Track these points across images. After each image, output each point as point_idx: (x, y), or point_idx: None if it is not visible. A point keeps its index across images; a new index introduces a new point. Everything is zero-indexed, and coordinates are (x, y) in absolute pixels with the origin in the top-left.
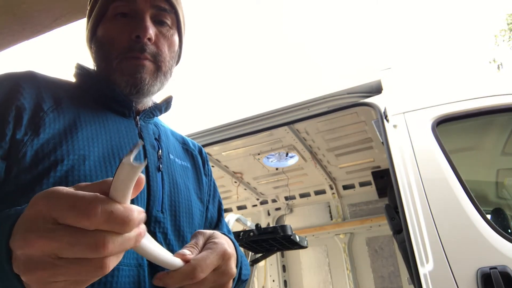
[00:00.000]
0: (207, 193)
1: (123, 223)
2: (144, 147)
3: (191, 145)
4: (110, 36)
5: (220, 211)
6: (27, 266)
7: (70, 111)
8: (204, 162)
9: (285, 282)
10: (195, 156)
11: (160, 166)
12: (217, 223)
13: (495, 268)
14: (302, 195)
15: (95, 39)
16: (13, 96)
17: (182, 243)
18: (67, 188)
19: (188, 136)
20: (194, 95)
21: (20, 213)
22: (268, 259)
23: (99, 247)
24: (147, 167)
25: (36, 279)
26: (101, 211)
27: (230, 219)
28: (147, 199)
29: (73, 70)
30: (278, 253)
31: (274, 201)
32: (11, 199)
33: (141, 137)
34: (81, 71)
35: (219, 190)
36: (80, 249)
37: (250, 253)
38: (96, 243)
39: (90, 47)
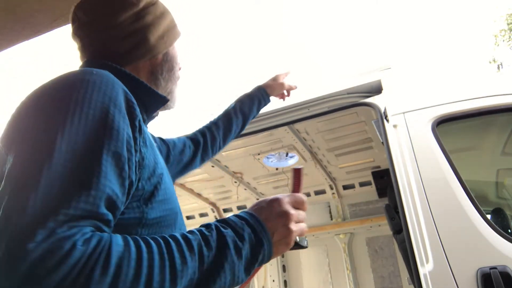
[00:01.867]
0: None
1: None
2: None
3: None
4: (178, 61)
5: None
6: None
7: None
8: None
9: (285, 282)
10: None
11: None
12: None
13: (495, 268)
14: None
15: (168, 57)
16: (131, 107)
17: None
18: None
19: None
20: (194, 95)
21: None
22: None
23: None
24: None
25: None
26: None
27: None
28: None
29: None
30: None
31: None
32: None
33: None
34: (135, 79)
35: (219, 190)
36: (303, 217)
37: None
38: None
39: (152, 57)
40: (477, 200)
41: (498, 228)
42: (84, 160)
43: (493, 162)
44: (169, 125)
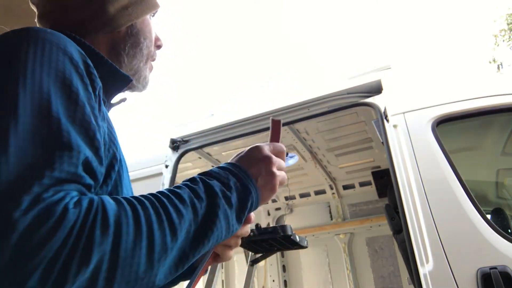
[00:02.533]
0: None
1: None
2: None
3: None
4: (151, 35)
5: None
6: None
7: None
8: None
9: (285, 282)
10: None
11: None
12: None
13: (495, 268)
14: (302, 195)
15: (134, 30)
16: (90, 73)
17: None
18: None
19: (189, 136)
20: (194, 95)
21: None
22: (268, 259)
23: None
24: None
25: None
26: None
27: None
28: None
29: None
30: (278, 253)
31: (274, 201)
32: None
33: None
34: (94, 52)
35: None
36: (283, 165)
37: (250, 253)
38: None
39: (113, 29)
40: (477, 200)
41: (498, 228)
42: (52, 121)
43: (493, 162)
44: (170, 124)
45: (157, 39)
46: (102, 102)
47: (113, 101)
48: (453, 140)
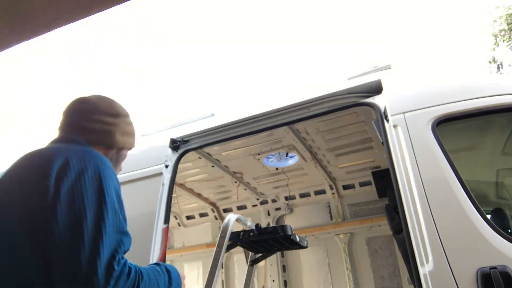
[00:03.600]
0: None
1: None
2: None
3: None
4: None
5: None
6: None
7: None
8: None
9: (285, 282)
10: None
11: None
12: None
13: (495, 268)
14: (302, 195)
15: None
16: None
17: None
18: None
19: (189, 136)
20: (194, 95)
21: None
22: (268, 259)
23: None
24: None
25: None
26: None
27: (230, 219)
28: None
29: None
30: (278, 253)
31: (274, 201)
32: None
33: None
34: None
35: (219, 190)
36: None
37: (250, 253)
38: None
39: (117, 150)
40: (477, 200)
41: (498, 228)
42: (119, 221)
43: (493, 162)
44: (170, 124)
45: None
46: None
47: None
48: (453, 140)
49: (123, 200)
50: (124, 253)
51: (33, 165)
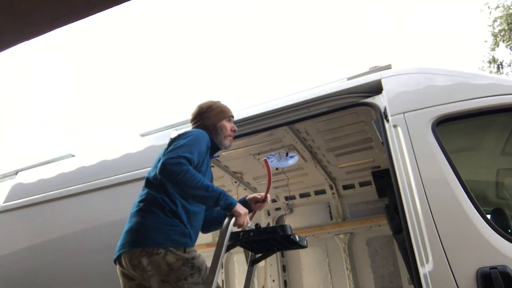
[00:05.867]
0: None
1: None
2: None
3: None
4: (226, 129)
5: None
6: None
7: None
8: None
9: (285, 282)
10: None
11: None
12: None
13: (495, 268)
14: (302, 195)
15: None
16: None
17: None
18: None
19: None
20: (195, 95)
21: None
22: (268, 259)
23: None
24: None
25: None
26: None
27: (229, 220)
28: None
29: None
30: (278, 253)
31: (274, 201)
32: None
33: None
34: (210, 137)
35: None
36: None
37: (250, 253)
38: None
39: (211, 127)
40: (477, 200)
41: (498, 228)
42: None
43: (493, 162)
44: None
45: (231, 128)
46: (208, 153)
47: (215, 154)
48: (453, 140)
49: (123, 200)
50: (188, 159)
51: None
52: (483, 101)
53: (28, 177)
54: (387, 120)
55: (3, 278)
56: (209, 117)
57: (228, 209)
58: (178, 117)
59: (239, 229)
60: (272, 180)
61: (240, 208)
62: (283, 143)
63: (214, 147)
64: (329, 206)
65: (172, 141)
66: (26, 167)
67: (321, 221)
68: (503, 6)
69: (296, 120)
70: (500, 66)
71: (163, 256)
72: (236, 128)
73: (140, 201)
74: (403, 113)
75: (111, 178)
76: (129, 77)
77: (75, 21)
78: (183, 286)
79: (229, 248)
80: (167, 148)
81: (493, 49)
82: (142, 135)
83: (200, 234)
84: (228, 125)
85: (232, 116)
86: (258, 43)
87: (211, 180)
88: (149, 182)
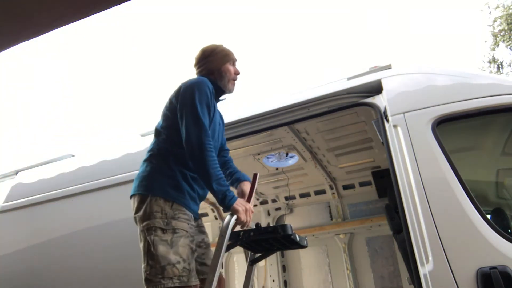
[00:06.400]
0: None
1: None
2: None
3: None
4: (230, 72)
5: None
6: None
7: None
8: None
9: (285, 282)
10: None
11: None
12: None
13: (495, 268)
14: (302, 195)
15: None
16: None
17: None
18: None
19: None
20: None
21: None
22: (268, 259)
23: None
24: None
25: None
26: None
27: (229, 219)
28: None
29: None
30: (278, 253)
31: (274, 201)
32: None
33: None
34: (213, 81)
35: None
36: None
37: (250, 253)
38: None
39: (215, 71)
40: (477, 200)
41: (498, 228)
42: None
43: (493, 162)
44: None
45: (235, 72)
46: (214, 100)
47: (221, 98)
48: (453, 140)
49: (123, 200)
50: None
51: None
52: (483, 101)
53: (28, 177)
54: (387, 120)
55: (3, 278)
56: (213, 60)
57: (228, 208)
58: None
59: (240, 229)
60: (272, 180)
61: (240, 205)
62: (283, 143)
63: (219, 91)
64: (329, 206)
65: (181, 106)
66: (26, 167)
67: (321, 221)
68: (503, 6)
69: (296, 120)
70: (500, 66)
71: (148, 202)
72: (239, 71)
73: (148, 151)
74: (403, 113)
75: (111, 178)
76: (129, 77)
77: (75, 21)
78: (150, 236)
79: (229, 247)
80: (174, 101)
81: (493, 49)
82: (142, 135)
83: None
84: (232, 69)
85: (236, 60)
86: (258, 43)
87: (222, 131)
88: (157, 132)
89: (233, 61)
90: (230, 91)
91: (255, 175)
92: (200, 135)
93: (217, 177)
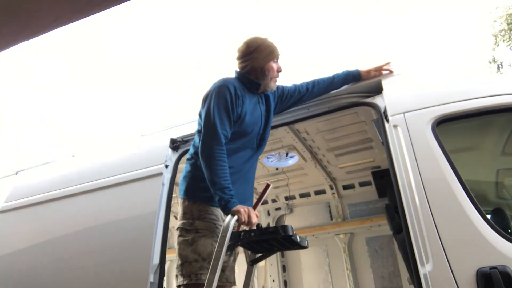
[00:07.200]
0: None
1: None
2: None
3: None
4: (273, 70)
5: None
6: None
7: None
8: (273, 100)
9: (285, 282)
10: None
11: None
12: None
13: (495, 268)
14: (302, 195)
15: (266, 68)
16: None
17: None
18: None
19: (189, 136)
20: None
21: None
22: (268, 259)
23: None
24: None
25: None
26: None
27: (230, 219)
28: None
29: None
30: (278, 253)
31: (274, 201)
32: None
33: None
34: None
35: None
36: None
37: (250, 253)
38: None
39: (258, 69)
40: (477, 200)
41: (498, 228)
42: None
43: (493, 162)
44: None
45: (278, 69)
46: (240, 100)
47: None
48: (453, 140)
49: (123, 200)
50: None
51: None
52: (483, 101)
53: (28, 177)
54: (387, 120)
55: (3, 278)
56: (257, 57)
57: (228, 213)
58: (179, 117)
59: (241, 229)
60: (272, 180)
61: (240, 207)
62: (283, 143)
63: (254, 85)
64: (329, 206)
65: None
66: (26, 167)
67: (321, 221)
68: (503, 6)
69: (296, 120)
70: (500, 66)
71: (181, 205)
72: (282, 68)
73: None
74: (403, 113)
75: (111, 178)
76: (129, 77)
77: (75, 21)
78: (178, 237)
79: (229, 248)
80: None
81: (493, 49)
82: (142, 135)
83: None
84: (275, 66)
85: (279, 55)
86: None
87: (267, 123)
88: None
89: (276, 58)
90: (272, 89)
91: (267, 186)
92: (211, 145)
93: (222, 185)
